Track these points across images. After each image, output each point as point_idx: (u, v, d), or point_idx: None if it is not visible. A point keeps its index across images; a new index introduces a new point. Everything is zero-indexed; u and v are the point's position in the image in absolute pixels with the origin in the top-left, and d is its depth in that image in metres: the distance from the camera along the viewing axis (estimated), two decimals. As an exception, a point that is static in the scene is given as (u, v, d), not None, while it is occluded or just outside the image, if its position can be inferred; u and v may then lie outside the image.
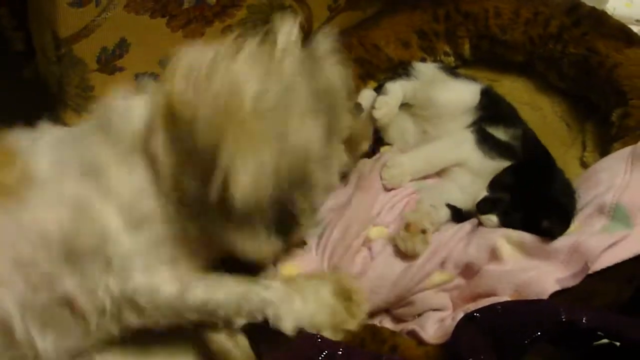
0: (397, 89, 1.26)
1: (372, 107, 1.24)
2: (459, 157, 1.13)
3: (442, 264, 1.02)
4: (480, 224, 1.05)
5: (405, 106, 1.26)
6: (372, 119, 1.24)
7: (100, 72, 1.09)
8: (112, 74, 1.11)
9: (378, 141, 1.28)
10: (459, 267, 1.02)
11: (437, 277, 1.01)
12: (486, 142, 1.13)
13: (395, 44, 1.39)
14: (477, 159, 1.11)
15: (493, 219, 1.03)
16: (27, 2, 1.06)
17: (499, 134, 1.16)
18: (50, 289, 0.80)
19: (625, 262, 0.88)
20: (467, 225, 1.05)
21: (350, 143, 1.03)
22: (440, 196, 1.10)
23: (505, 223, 1.02)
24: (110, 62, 1.09)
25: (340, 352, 0.74)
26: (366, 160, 1.25)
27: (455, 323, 0.87)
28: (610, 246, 0.89)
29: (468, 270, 1.01)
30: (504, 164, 1.08)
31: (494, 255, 0.99)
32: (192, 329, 0.88)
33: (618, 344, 0.82)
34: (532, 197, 1.01)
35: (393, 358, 0.73)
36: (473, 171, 1.11)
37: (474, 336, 0.83)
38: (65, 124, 1.14)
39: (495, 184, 1.05)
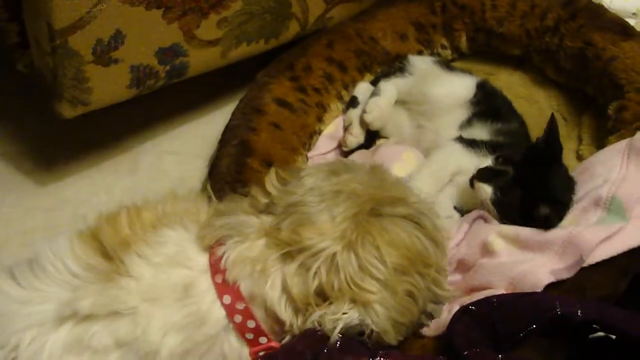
0: (389, 89, 1.26)
1: (364, 110, 1.24)
2: (458, 165, 1.12)
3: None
4: (476, 219, 1.05)
5: (400, 100, 1.26)
6: (365, 122, 1.24)
7: (95, 63, 1.09)
8: (107, 65, 1.10)
9: (374, 134, 1.28)
10: (451, 264, 1.02)
11: None
12: (472, 145, 1.13)
13: (392, 37, 1.39)
14: (472, 160, 1.11)
15: (487, 189, 1.01)
16: (21, -7, 1.05)
17: (493, 128, 1.16)
18: None
19: (620, 254, 0.88)
20: (464, 226, 1.05)
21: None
22: (449, 203, 1.10)
23: (500, 199, 1.01)
24: (105, 54, 1.09)
25: (337, 345, 0.74)
26: (363, 151, 1.25)
27: (451, 316, 0.87)
28: (605, 239, 0.89)
29: (462, 266, 1.01)
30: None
31: (486, 250, 0.99)
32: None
33: (614, 337, 0.82)
34: (534, 179, 1.00)
35: (391, 353, 0.73)
36: (471, 171, 1.11)
37: (470, 329, 0.83)
38: (60, 116, 1.14)
39: (501, 156, 1.05)
